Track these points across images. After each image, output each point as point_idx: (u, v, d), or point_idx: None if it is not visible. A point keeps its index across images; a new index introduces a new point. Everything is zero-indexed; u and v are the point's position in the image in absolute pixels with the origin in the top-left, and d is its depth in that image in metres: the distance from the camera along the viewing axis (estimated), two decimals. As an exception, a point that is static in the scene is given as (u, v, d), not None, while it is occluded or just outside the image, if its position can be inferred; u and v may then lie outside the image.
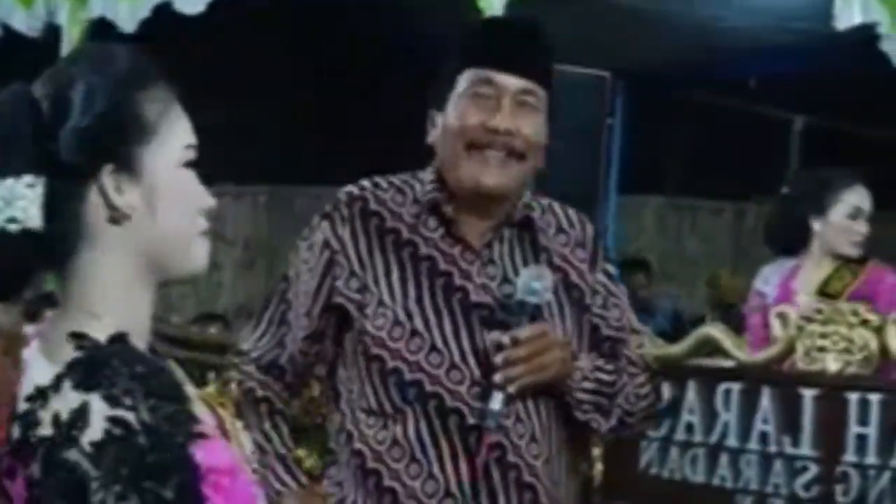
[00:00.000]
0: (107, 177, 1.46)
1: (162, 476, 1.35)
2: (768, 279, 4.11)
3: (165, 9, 6.02)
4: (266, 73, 10.61)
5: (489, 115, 2.30)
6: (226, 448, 1.49)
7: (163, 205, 1.49)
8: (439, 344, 2.26)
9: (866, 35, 4.10)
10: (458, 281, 2.30)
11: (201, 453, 1.40)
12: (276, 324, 2.41)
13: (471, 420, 2.25)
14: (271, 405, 2.40)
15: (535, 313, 2.27)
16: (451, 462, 2.24)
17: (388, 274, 2.30)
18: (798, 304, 3.68)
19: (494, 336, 2.26)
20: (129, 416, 1.36)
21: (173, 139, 1.51)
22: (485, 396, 2.24)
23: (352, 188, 2.38)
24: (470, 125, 2.30)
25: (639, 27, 6.63)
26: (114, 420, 1.35)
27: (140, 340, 1.48)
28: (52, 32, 6.66)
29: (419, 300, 2.29)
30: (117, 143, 1.47)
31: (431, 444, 2.25)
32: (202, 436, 1.41)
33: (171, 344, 6.22)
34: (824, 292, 3.79)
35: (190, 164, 1.54)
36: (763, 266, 4.28)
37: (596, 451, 3.07)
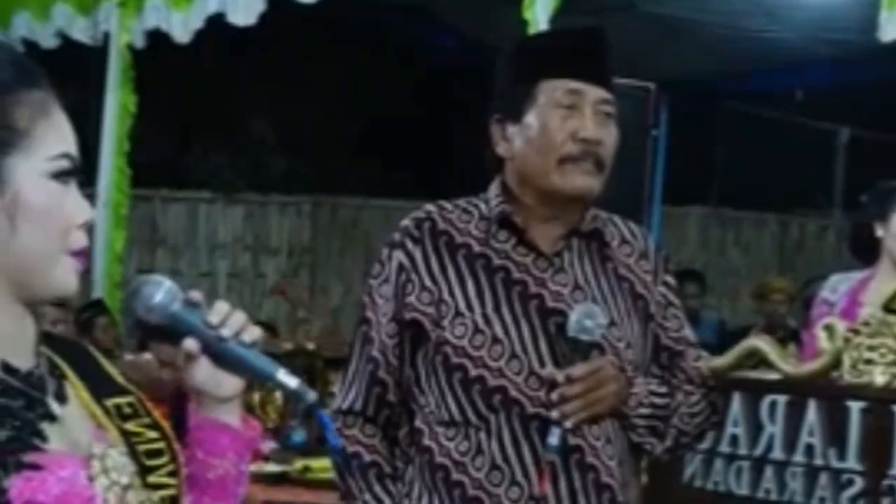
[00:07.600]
0: None
1: None
2: (836, 288, 4.03)
3: (218, 20, 6.06)
4: (311, 85, 10.67)
5: (575, 126, 2.31)
6: (60, 481, 1.34)
7: (24, 220, 1.35)
8: (518, 350, 2.28)
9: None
10: (533, 288, 2.32)
11: (21, 485, 1.31)
12: (363, 365, 2.38)
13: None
14: (380, 469, 2.37)
15: (588, 349, 2.28)
16: (533, 467, 2.25)
17: (462, 286, 2.31)
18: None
19: (549, 372, 2.27)
20: None
21: (43, 148, 1.37)
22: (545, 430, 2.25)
23: (417, 213, 2.39)
24: (560, 140, 2.31)
25: (683, 39, 6.63)
26: None
27: (15, 358, 1.38)
28: (105, 40, 6.72)
29: (497, 308, 2.30)
30: None
31: (513, 449, 2.27)
32: (32, 466, 1.33)
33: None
34: (889, 308, 3.71)
35: (63, 175, 1.39)
36: (832, 276, 4.22)
37: (641, 463, 3.08)
